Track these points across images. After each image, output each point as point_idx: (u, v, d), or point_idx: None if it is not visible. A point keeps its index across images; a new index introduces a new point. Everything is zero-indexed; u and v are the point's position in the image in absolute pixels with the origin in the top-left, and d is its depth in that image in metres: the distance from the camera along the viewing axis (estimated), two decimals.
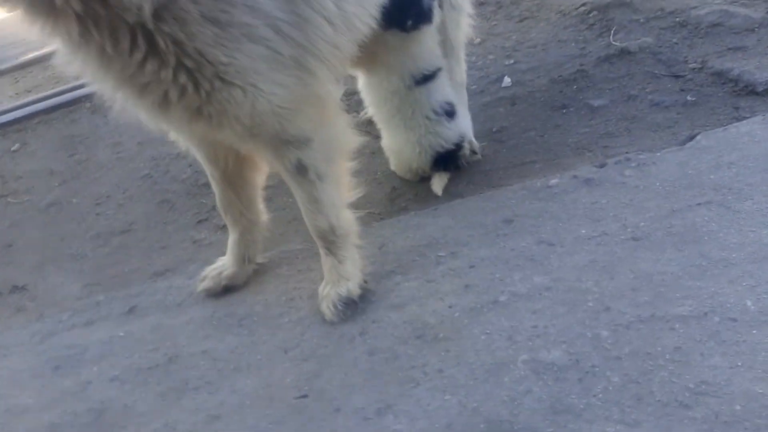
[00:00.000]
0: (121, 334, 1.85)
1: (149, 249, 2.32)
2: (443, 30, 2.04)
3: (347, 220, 1.68)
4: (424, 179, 2.18)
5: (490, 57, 2.89)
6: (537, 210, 1.85)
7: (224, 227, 2.25)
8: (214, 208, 2.39)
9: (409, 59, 1.97)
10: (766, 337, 1.30)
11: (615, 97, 2.37)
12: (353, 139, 1.68)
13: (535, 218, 1.82)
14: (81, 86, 3.75)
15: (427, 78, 2.00)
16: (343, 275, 1.67)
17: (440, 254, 1.79)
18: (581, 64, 2.60)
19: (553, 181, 1.94)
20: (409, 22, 1.84)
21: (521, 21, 3.13)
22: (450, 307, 1.59)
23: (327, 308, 1.64)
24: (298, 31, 1.42)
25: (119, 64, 1.29)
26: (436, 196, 2.10)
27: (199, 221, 2.39)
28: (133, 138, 3.20)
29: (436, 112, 2.02)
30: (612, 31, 2.75)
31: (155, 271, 2.17)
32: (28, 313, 2.16)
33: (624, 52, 2.58)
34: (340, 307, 1.63)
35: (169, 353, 1.72)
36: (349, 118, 1.71)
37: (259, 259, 1.95)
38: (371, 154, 2.42)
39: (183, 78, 1.31)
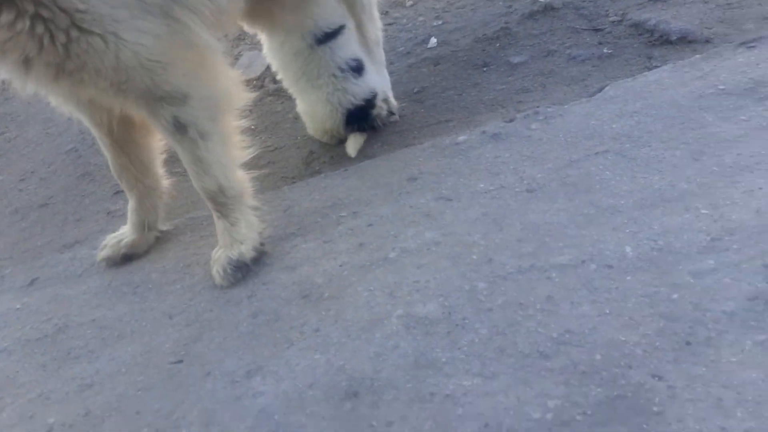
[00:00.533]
0: (18, 306, 1.76)
1: (64, 222, 2.23)
2: None
3: (238, 180, 1.59)
4: (342, 142, 2.10)
5: (420, 19, 2.78)
6: (441, 166, 1.77)
7: None
8: None
9: (308, 18, 1.87)
10: (639, 283, 1.23)
11: (534, 53, 2.28)
12: (241, 96, 1.58)
13: (438, 174, 1.74)
14: None
15: (329, 36, 1.91)
16: (237, 238, 1.59)
17: (342, 215, 1.71)
18: (506, 22, 2.50)
19: (461, 138, 1.86)
20: None
21: None
22: (341, 265, 1.52)
23: (217, 272, 1.56)
24: None
25: None
26: (349, 159, 2.01)
27: (116, 192, 2.29)
28: (62, 115, 3.07)
29: (341, 69, 1.93)
30: None
31: (65, 243, 2.08)
32: None
33: (548, 8, 2.48)
34: (230, 271, 1.55)
35: (59, 323, 1.64)
36: (236, 74, 1.62)
37: (162, 226, 1.86)
38: (294, 119, 2.33)
39: (40, 29, 1.21)
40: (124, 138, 1.70)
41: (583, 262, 1.31)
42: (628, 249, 1.32)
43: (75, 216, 2.24)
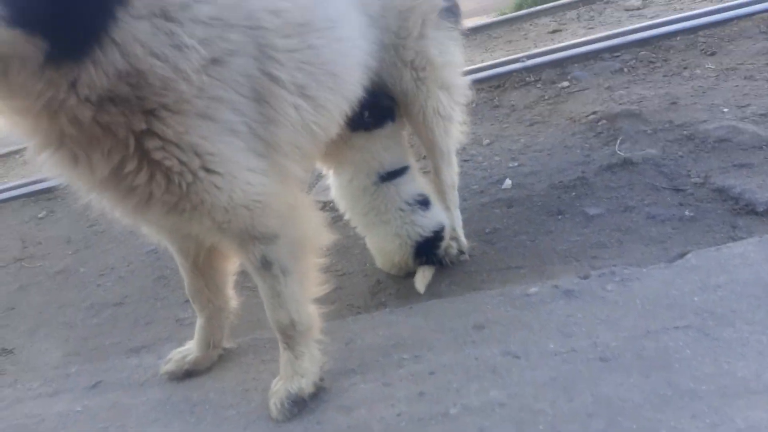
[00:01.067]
0: (79, 408, 1.84)
1: (134, 324, 2.35)
2: (431, 136, 2.09)
3: (309, 315, 1.66)
4: (410, 275, 2.16)
5: (496, 158, 2.91)
6: (510, 318, 1.78)
7: None
8: None
9: (373, 158, 2.02)
10: None
11: (612, 207, 2.32)
12: (324, 236, 1.68)
13: (507, 326, 1.75)
14: None
15: (393, 174, 2.04)
16: (298, 371, 1.63)
17: (404, 356, 1.72)
18: (583, 172, 2.58)
19: (533, 290, 1.88)
20: (371, 122, 1.91)
21: (531, 125, 3.17)
22: (398, 415, 1.51)
23: (274, 405, 1.59)
24: (264, 130, 1.48)
25: (103, 173, 1.33)
26: (417, 294, 2.06)
27: (186, 300, 2.40)
28: None
29: (408, 203, 2.04)
30: (618, 141, 2.74)
31: (133, 347, 2.19)
32: (5, 377, 2.19)
33: (627, 162, 2.55)
34: (287, 406, 1.58)
35: None
36: (321, 215, 1.73)
37: (226, 344, 1.94)
38: (364, 245, 2.42)
39: (158, 170, 1.35)
40: (205, 264, 1.82)
41: None
42: None
43: (146, 319, 2.37)
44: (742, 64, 3.26)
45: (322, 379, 1.67)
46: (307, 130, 1.57)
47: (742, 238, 1.93)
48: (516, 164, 2.80)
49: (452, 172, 2.23)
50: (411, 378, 1.64)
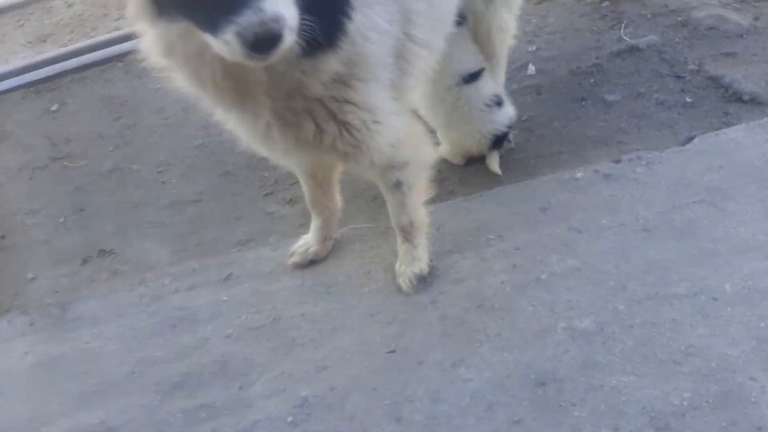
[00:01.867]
0: (225, 298, 2.30)
1: (224, 220, 2.74)
2: (492, 48, 2.45)
3: (423, 215, 2.13)
4: (469, 163, 2.64)
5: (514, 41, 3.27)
6: (566, 200, 2.34)
7: (291, 201, 2.73)
8: (276, 181, 2.85)
9: (456, 61, 2.38)
10: (737, 314, 1.85)
11: (626, 94, 2.82)
12: (435, 156, 2.10)
13: (566, 207, 2.31)
14: (111, 43, 3.98)
15: (473, 76, 2.42)
16: (416, 257, 2.15)
17: (490, 237, 2.27)
18: (596, 57, 3.03)
19: (579, 174, 2.42)
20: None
21: (539, 3, 3.50)
22: (502, 282, 2.09)
23: (404, 282, 2.12)
24: (399, 80, 1.81)
25: (306, 135, 1.67)
26: (479, 181, 2.56)
27: (266, 194, 2.80)
28: (176, 103, 3.48)
29: (487, 104, 2.45)
30: (623, 25, 3.16)
31: (237, 240, 2.60)
32: (125, 276, 2.58)
33: (633, 49, 3.01)
34: (414, 282, 2.11)
35: (272, 315, 2.19)
36: (431, 141, 2.13)
37: (335, 235, 2.40)
38: None
39: (345, 128, 1.70)
40: (323, 178, 2.21)
41: (695, 294, 1.92)
42: (727, 286, 1.92)
43: (233, 214, 2.75)
44: None
45: (431, 260, 2.20)
46: (425, 73, 1.92)
47: (733, 124, 2.52)
48: (534, 48, 3.19)
49: (503, 72, 2.62)
50: (501, 254, 2.20)
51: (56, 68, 3.86)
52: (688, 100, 2.71)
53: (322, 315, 2.15)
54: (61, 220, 2.96)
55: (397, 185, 1.99)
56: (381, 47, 1.64)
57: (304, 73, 1.54)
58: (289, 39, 1.27)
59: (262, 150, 1.86)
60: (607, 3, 3.32)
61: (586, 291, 2.00)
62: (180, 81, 1.66)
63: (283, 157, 1.89)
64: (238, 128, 1.79)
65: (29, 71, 3.92)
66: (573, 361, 1.82)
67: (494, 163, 2.56)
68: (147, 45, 1.55)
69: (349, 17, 1.49)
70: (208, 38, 1.31)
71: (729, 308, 1.87)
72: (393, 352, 1.97)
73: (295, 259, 2.34)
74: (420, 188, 2.07)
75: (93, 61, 3.85)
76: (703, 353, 1.77)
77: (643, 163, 2.41)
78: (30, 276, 2.70)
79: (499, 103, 2.48)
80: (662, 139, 2.55)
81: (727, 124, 2.52)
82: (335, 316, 2.13)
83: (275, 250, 2.45)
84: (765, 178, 2.24)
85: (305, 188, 2.26)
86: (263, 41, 1.23)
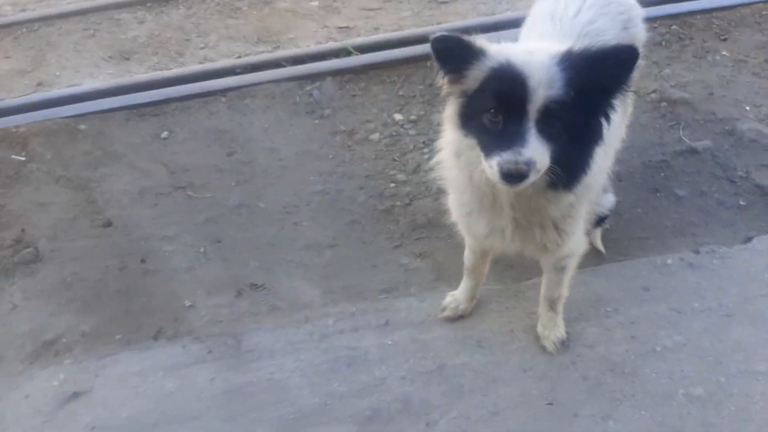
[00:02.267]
0: (389, 342, 2.72)
1: (361, 267, 3.14)
2: None
3: (567, 290, 2.65)
4: None
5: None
6: (662, 282, 2.91)
7: (420, 255, 3.19)
8: (402, 235, 3.29)
9: None
10: None
11: (691, 190, 3.45)
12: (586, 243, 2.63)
13: (663, 289, 2.89)
14: (213, 75, 4.25)
15: None
16: (557, 323, 2.66)
17: (607, 309, 2.81)
18: (662, 154, 3.65)
19: (669, 261, 3.01)
20: None
21: None
22: (626, 351, 2.64)
23: (549, 344, 2.63)
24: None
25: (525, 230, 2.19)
26: (588, 258, 3.10)
27: (395, 246, 3.22)
28: (286, 146, 3.85)
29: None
30: (681, 126, 3.81)
31: (380, 288, 3.01)
32: (284, 312, 2.93)
33: (693, 150, 3.65)
34: (558, 345, 2.62)
35: (436, 362, 2.63)
36: None
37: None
38: None
39: (559, 234, 2.21)
40: (484, 255, 2.69)
41: None
42: None
43: (368, 262, 3.15)
44: (747, 56, 4.37)
45: (568, 333, 2.72)
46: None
47: None
48: None
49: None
50: (620, 325, 2.74)
51: (161, 93, 4.08)
52: (741, 203, 3.36)
53: (480, 366, 2.61)
54: (201, 250, 3.25)
55: (562, 268, 2.50)
56: (599, 180, 2.16)
57: (547, 200, 2.06)
58: (534, 177, 1.81)
59: (489, 239, 2.31)
60: (665, 104, 3.96)
61: (693, 363, 2.58)
62: (448, 177, 2.25)
63: (502, 247, 2.35)
64: (476, 222, 2.24)
65: (130, 92, 4.13)
66: (695, 421, 2.39)
67: (598, 240, 3.11)
68: (445, 139, 2.14)
69: (587, 173, 2.00)
70: (482, 157, 1.87)
71: None
72: (551, 404, 2.47)
73: (447, 313, 2.79)
74: (573, 270, 2.58)
75: (197, 92, 4.11)
76: None
77: (717, 256, 3.03)
78: (187, 303, 2.99)
79: (605, 190, 3.04)
80: (727, 235, 3.18)
81: None
82: (492, 369, 2.60)
83: (422, 302, 2.89)
84: None
85: (471, 259, 2.70)
86: (513, 175, 1.77)
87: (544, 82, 1.77)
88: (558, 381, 2.54)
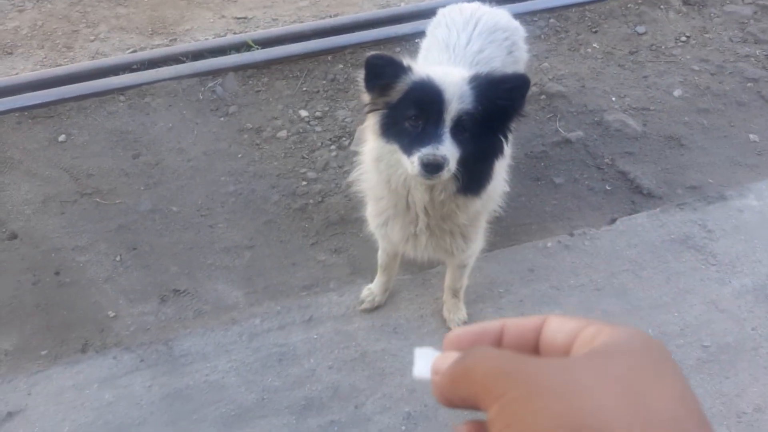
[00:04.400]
0: (315, 336, 3.07)
1: (281, 265, 3.43)
2: None
3: (466, 281, 3.12)
4: None
5: None
6: (544, 264, 3.48)
7: (336, 251, 3.52)
8: (317, 232, 3.60)
9: None
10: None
11: (567, 178, 4.05)
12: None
13: (545, 269, 3.45)
14: (110, 71, 4.23)
15: None
16: (460, 307, 3.14)
17: (500, 290, 3.33)
18: (543, 145, 4.21)
19: (549, 244, 3.59)
20: None
21: None
22: None
23: (454, 326, 3.10)
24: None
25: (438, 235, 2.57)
26: (486, 240, 3.59)
27: (312, 244, 3.53)
28: (194, 145, 4.00)
29: None
30: (558, 118, 4.40)
31: (301, 285, 3.33)
32: (210, 315, 3.17)
33: (567, 141, 4.25)
34: (460, 326, 3.10)
35: (358, 350, 3.02)
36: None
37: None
38: None
39: (464, 240, 2.61)
40: (395, 253, 3.08)
41: None
42: (649, 330, 3.22)
43: (288, 260, 3.45)
44: (614, 48, 5.05)
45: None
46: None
47: (638, 211, 3.86)
48: None
49: None
50: (511, 304, 3.28)
51: (54, 93, 4.03)
52: (607, 188, 4.01)
53: (397, 350, 3.04)
54: (117, 258, 3.38)
55: (464, 266, 2.96)
56: (499, 191, 2.61)
57: (457, 205, 2.45)
58: (447, 174, 2.19)
59: (403, 245, 2.68)
60: (543, 97, 4.53)
61: None
62: (367, 187, 2.58)
63: (414, 252, 2.73)
64: (391, 229, 2.60)
65: (20, 92, 4.03)
66: None
67: None
68: (366, 149, 2.47)
69: (489, 182, 2.42)
70: (403, 158, 2.24)
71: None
72: None
73: (365, 305, 3.18)
74: (471, 265, 3.05)
75: (93, 91, 4.09)
76: None
77: (588, 237, 3.65)
78: (111, 314, 3.14)
79: None
80: (595, 218, 3.82)
81: (635, 210, 3.86)
82: (407, 352, 3.03)
83: (341, 296, 3.25)
84: (662, 255, 3.60)
85: (384, 258, 3.08)
86: (432, 165, 2.13)
87: (457, 96, 2.13)
88: None
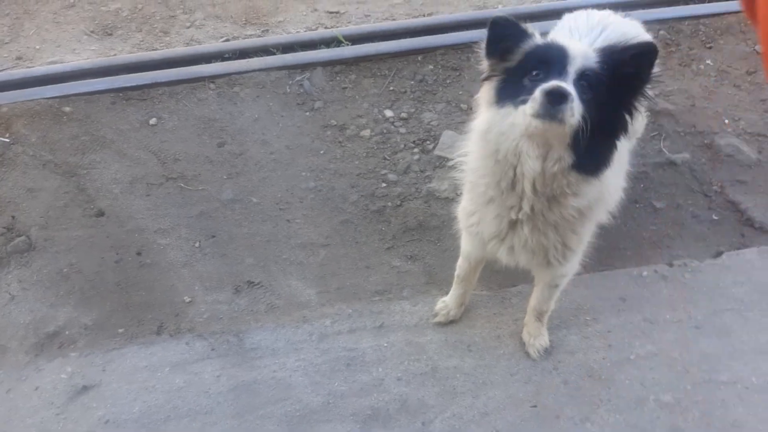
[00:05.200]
0: (385, 344, 3.05)
1: (355, 267, 3.44)
2: None
3: (554, 305, 3.02)
4: None
5: None
6: (638, 294, 3.32)
7: (411, 258, 3.49)
8: (394, 237, 3.58)
9: None
10: (763, 400, 2.93)
11: (668, 203, 3.86)
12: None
13: (638, 300, 3.29)
14: (203, 59, 4.39)
15: None
16: (542, 333, 3.03)
17: (587, 318, 3.21)
18: (643, 165, 4.03)
19: (645, 273, 3.42)
20: None
21: None
22: (603, 358, 3.04)
23: (534, 352, 3.00)
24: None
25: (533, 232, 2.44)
26: None
27: (388, 248, 3.53)
28: (278, 138, 4.07)
29: None
30: (662, 138, 4.20)
31: (374, 290, 3.32)
32: (282, 311, 3.21)
33: (671, 163, 4.05)
34: (541, 352, 3.00)
35: (429, 364, 2.98)
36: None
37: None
38: None
39: (564, 249, 2.52)
40: (477, 265, 3.01)
41: (734, 382, 2.98)
42: (753, 379, 3.01)
43: (362, 263, 3.45)
44: (730, 66, 4.78)
45: (551, 341, 3.10)
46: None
47: (748, 246, 3.63)
48: None
49: None
50: (598, 334, 3.14)
51: (148, 77, 4.21)
52: (714, 217, 3.79)
53: (470, 369, 2.97)
54: (197, 244, 3.49)
55: (555, 286, 2.86)
56: (612, 199, 2.52)
57: (569, 184, 2.23)
58: (570, 116, 1.96)
59: (496, 243, 2.57)
60: (648, 113, 4.34)
61: (663, 372, 3.00)
62: (468, 169, 2.47)
63: (506, 253, 2.61)
64: (485, 218, 2.51)
65: (116, 73, 4.24)
66: (663, 425, 2.81)
67: None
68: (474, 124, 2.34)
69: (607, 164, 2.22)
70: (517, 113, 2.09)
71: (756, 395, 2.95)
72: (535, 406, 2.85)
73: (439, 319, 3.13)
74: (563, 288, 2.95)
75: (185, 77, 4.25)
76: (743, 427, 2.83)
77: (689, 270, 3.46)
78: (187, 299, 3.24)
79: None
80: (699, 249, 3.61)
81: (744, 245, 3.63)
82: (482, 372, 2.97)
83: (414, 305, 3.22)
84: None
85: (465, 268, 3.02)
86: (555, 95, 1.96)
87: (582, 54, 2.11)
88: (542, 385, 2.93)
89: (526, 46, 2.18)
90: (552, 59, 2.09)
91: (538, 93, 1.98)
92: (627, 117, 2.20)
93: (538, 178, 2.21)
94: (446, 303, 3.17)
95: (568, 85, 1.99)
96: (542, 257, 2.57)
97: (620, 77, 2.11)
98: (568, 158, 2.14)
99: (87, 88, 4.08)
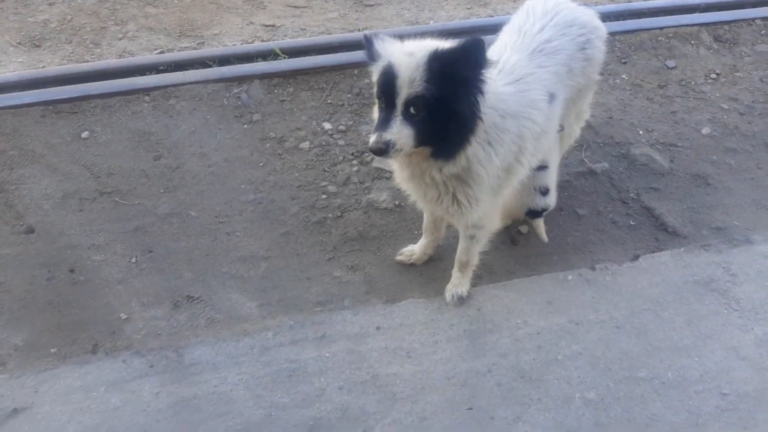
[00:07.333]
0: (327, 354, 3.05)
1: (296, 279, 3.42)
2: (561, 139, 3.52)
3: (476, 259, 3.23)
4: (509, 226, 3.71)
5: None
6: (564, 297, 3.45)
7: (352, 267, 3.53)
8: (335, 247, 3.59)
9: None
10: (677, 395, 3.11)
11: (590, 210, 4.03)
12: (497, 224, 3.19)
13: (564, 302, 3.43)
14: (136, 71, 4.27)
15: (540, 168, 3.41)
16: (462, 283, 3.24)
17: (517, 321, 3.31)
18: (567, 174, 4.20)
19: (570, 277, 3.56)
20: None
21: None
22: (533, 360, 3.15)
23: (449, 296, 3.27)
24: (511, 172, 2.85)
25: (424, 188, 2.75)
26: (504, 268, 3.58)
27: (329, 259, 3.53)
28: (216, 151, 4.01)
29: (535, 188, 3.47)
30: (583, 148, 4.39)
31: (315, 300, 3.32)
32: (222, 325, 3.16)
33: (592, 172, 4.24)
34: (456, 299, 3.25)
35: (370, 372, 3.00)
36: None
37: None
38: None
39: (456, 202, 2.74)
40: (438, 217, 3.17)
41: (652, 378, 3.14)
42: (669, 374, 3.18)
43: (303, 274, 3.45)
44: (643, 80, 5.05)
45: (469, 293, 3.23)
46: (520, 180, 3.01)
47: (662, 249, 3.83)
48: None
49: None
50: (528, 336, 3.24)
51: (80, 89, 4.06)
52: (631, 223, 3.99)
53: (410, 375, 3.01)
54: (133, 260, 3.39)
55: (471, 237, 3.09)
56: (490, 172, 2.71)
57: (429, 165, 2.64)
58: (395, 153, 2.41)
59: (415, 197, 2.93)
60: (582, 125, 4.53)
61: (588, 371, 3.13)
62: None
63: (430, 206, 2.94)
64: (410, 188, 2.89)
65: (46, 85, 4.07)
66: (588, 422, 2.94)
67: (541, 230, 3.72)
68: None
69: (464, 148, 2.55)
70: None
71: (671, 390, 3.12)
72: (471, 409, 2.92)
73: (401, 257, 3.43)
74: (482, 243, 3.18)
75: (119, 89, 4.13)
76: (660, 420, 3.00)
77: (610, 273, 3.63)
78: (123, 316, 3.14)
79: (544, 193, 3.53)
80: (618, 253, 3.79)
81: (658, 248, 3.83)
82: (420, 378, 3.01)
83: (356, 314, 3.24)
84: (684, 296, 3.56)
85: (427, 219, 3.27)
86: (375, 150, 2.40)
87: (408, 81, 2.32)
88: (477, 388, 3.00)
89: (380, 64, 2.43)
90: (387, 90, 2.37)
91: (369, 143, 2.43)
92: (468, 107, 2.44)
93: (415, 169, 2.72)
94: (412, 248, 3.41)
95: (387, 133, 2.37)
96: (446, 207, 2.84)
97: (447, 81, 2.35)
98: (426, 152, 2.56)
99: (14, 101, 3.90)
